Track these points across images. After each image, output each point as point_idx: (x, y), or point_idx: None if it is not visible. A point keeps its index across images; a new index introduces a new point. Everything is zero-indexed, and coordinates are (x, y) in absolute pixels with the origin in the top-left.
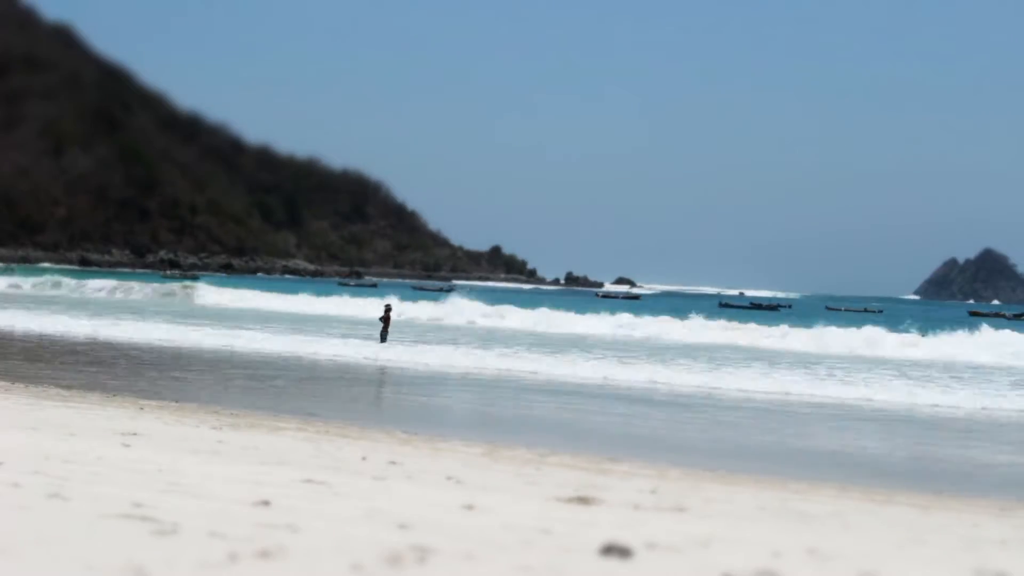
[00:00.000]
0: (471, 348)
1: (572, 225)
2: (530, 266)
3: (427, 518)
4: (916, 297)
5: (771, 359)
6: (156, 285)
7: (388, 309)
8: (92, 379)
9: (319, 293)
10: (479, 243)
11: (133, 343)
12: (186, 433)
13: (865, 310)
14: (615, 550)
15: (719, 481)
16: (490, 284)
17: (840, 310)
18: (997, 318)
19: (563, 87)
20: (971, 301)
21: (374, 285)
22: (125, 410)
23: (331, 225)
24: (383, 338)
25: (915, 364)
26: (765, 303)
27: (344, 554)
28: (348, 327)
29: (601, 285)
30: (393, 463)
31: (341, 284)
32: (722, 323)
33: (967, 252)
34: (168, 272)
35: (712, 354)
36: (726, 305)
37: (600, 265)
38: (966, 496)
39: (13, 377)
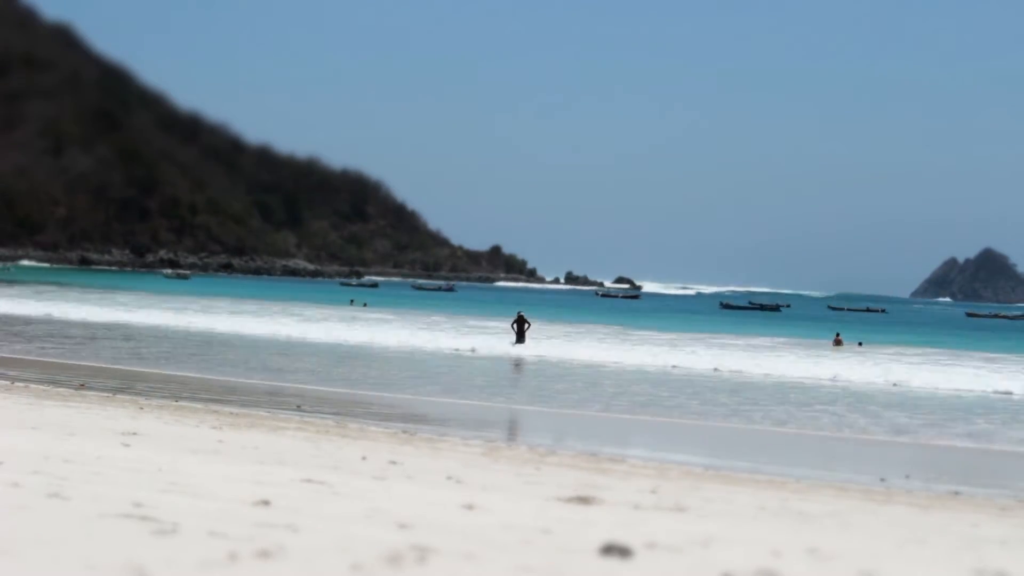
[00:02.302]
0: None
1: (572, 225)
2: (530, 266)
3: (427, 518)
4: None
5: None
6: None
7: (522, 318)
8: None
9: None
10: (479, 243)
11: None
12: (186, 433)
13: (868, 309)
14: (615, 550)
15: (719, 481)
16: (492, 284)
17: (843, 309)
18: (996, 319)
19: (564, 88)
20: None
21: (375, 285)
22: (125, 410)
23: (331, 225)
24: (520, 339)
25: None
26: (766, 304)
27: (344, 554)
28: None
29: (601, 284)
30: (393, 463)
31: (343, 284)
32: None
33: (967, 252)
34: (170, 272)
35: None
36: (727, 306)
37: (600, 265)
38: (966, 496)
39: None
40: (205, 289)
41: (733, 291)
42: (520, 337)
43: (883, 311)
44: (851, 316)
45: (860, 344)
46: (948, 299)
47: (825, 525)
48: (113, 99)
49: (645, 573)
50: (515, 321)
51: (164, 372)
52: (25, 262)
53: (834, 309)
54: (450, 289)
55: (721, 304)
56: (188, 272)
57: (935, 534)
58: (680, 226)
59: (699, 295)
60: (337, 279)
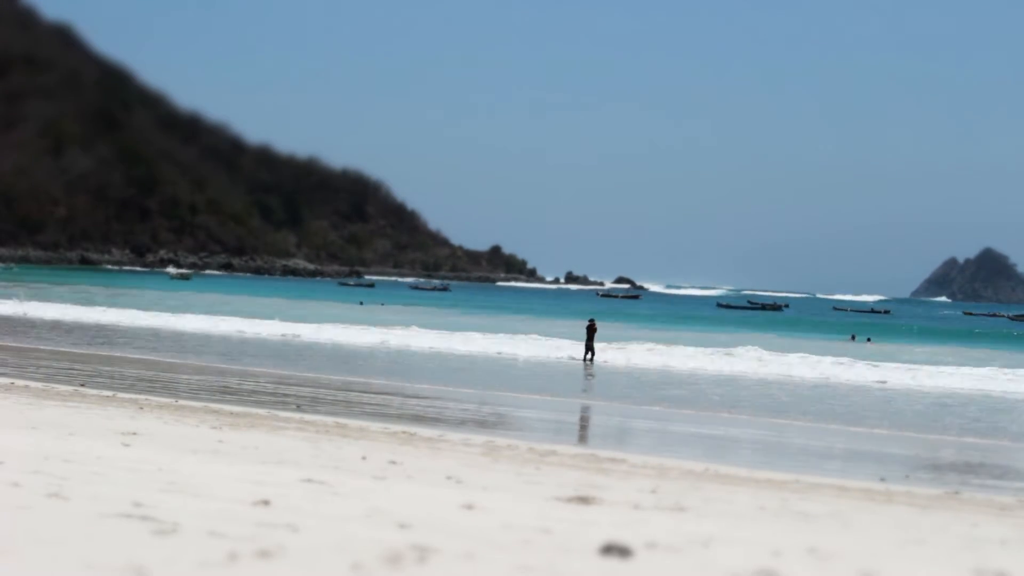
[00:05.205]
0: None
1: (572, 225)
2: (530, 266)
3: (427, 518)
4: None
5: None
6: None
7: (593, 323)
8: None
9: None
10: (479, 243)
11: None
12: (186, 433)
13: (872, 311)
14: (615, 550)
15: (719, 481)
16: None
17: (846, 310)
18: (994, 318)
19: (563, 87)
20: None
21: (371, 285)
22: (125, 410)
23: (331, 225)
24: (589, 348)
25: None
26: (766, 303)
27: (344, 554)
28: None
29: (602, 284)
30: (393, 463)
31: (341, 284)
32: None
33: (967, 252)
34: (174, 272)
35: None
36: (725, 306)
37: (600, 265)
38: (966, 496)
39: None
40: (210, 288)
41: (751, 292)
42: (589, 348)
43: (887, 312)
44: (856, 317)
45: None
46: (945, 299)
47: (825, 525)
48: (113, 99)
49: (645, 573)
50: (587, 329)
51: (164, 372)
52: None
53: (838, 310)
54: (444, 289)
55: (718, 304)
56: (189, 272)
57: (935, 534)
58: (680, 226)
59: (698, 295)
60: (336, 279)
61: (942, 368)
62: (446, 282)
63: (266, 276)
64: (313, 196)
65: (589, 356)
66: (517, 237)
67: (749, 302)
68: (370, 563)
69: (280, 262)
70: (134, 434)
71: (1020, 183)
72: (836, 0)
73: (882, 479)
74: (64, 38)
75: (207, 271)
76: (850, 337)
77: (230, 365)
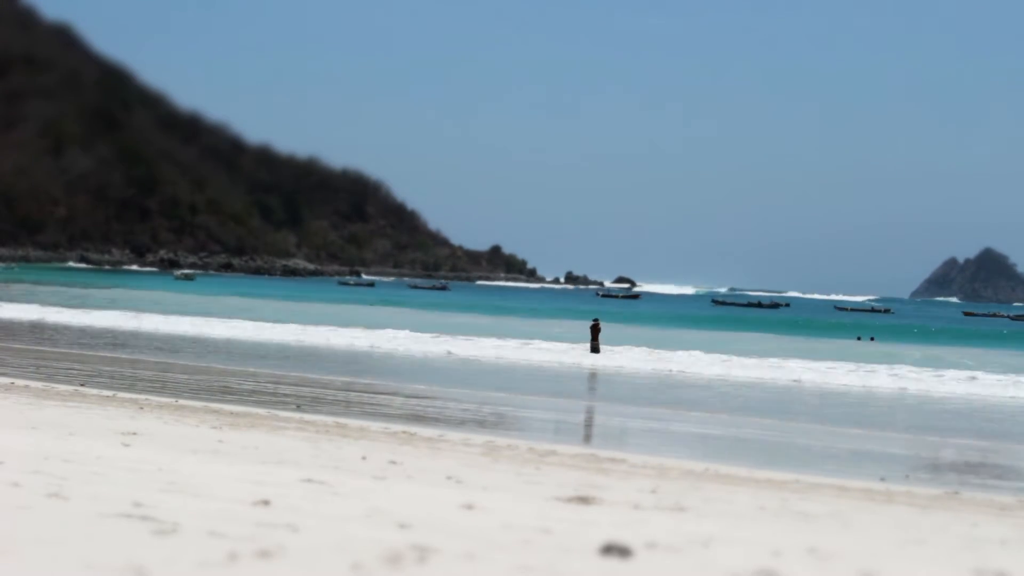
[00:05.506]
0: None
1: (572, 225)
2: (530, 266)
3: (427, 518)
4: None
5: None
6: None
7: (597, 323)
8: None
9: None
10: (479, 243)
11: None
12: (186, 433)
13: (872, 310)
14: (615, 550)
15: (719, 481)
16: (493, 283)
17: (847, 310)
18: (995, 318)
19: (563, 87)
20: None
21: (371, 284)
22: (125, 409)
23: (331, 225)
24: (594, 349)
25: None
26: (766, 302)
27: (344, 554)
28: None
29: (601, 284)
30: (393, 463)
31: (341, 284)
32: None
33: (967, 252)
34: (179, 273)
35: None
36: (720, 303)
37: (600, 265)
38: (966, 496)
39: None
40: (214, 290)
41: (741, 291)
42: (595, 346)
43: (887, 311)
44: (856, 316)
45: (872, 339)
46: (954, 299)
47: (825, 525)
48: (113, 99)
49: (645, 573)
50: (591, 328)
51: (164, 372)
52: None
53: (840, 309)
54: (443, 288)
55: (713, 301)
56: (193, 272)
57: (935, 534)
58: (680, 226)
59: (699, 295)
60: (336, 278)
61: (942, 370)
62: (444, 281)
63: (266, 276)
64: (313, 196)
65: (594, 355)
66: (517, 237)
67: (749, 301)
68: (370, 563)
69: (280, 262)
70: (134, 434)
71: (1020, 183)
72: (836, 1)
73: (882, 479)
74: (64, 38)
75: (208, 271)
76: (856, 338)
77: (230, 365)
